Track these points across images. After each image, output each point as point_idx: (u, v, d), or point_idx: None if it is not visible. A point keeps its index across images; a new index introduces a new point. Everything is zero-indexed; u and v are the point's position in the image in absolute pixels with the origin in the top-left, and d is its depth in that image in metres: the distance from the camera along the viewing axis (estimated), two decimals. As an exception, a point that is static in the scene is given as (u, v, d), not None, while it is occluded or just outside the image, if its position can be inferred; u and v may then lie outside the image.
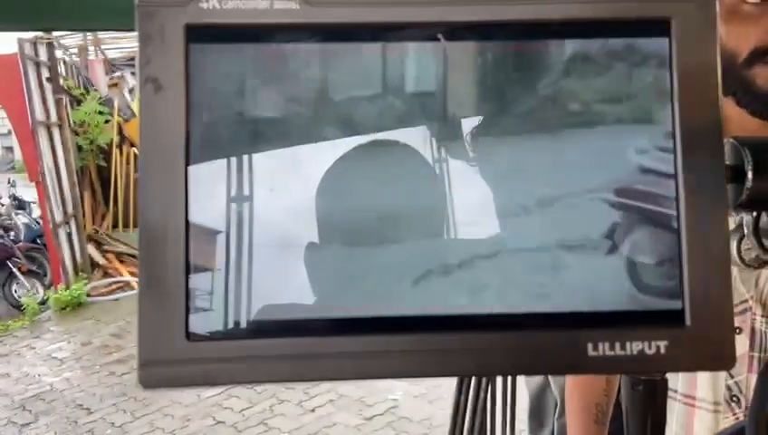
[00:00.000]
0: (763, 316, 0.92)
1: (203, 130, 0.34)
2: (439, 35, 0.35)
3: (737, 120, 0.98)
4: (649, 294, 0.34)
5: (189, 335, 0.33)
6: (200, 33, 0.34)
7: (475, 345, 0.34)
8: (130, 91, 8.09)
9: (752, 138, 0.36)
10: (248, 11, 0.34)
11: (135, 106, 7.85)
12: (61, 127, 7.02)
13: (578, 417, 1.15)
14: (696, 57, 0.35)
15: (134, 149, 7.77)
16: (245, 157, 0.34)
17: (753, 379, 0.92)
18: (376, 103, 0.35)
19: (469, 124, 0.35)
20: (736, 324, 0.93)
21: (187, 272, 0.33)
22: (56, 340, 5.70)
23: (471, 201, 0.35)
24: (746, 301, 0.93)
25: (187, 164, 0.33)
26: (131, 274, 6.76)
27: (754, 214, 0.39)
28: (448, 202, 0.35)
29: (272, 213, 0.34)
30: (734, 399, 0.94)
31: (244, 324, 0.34)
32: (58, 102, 7.04)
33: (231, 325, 0.33)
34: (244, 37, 0.34)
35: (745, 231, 0.38)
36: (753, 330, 0.93)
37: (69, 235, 6.88)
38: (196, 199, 0.33)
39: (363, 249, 0.34)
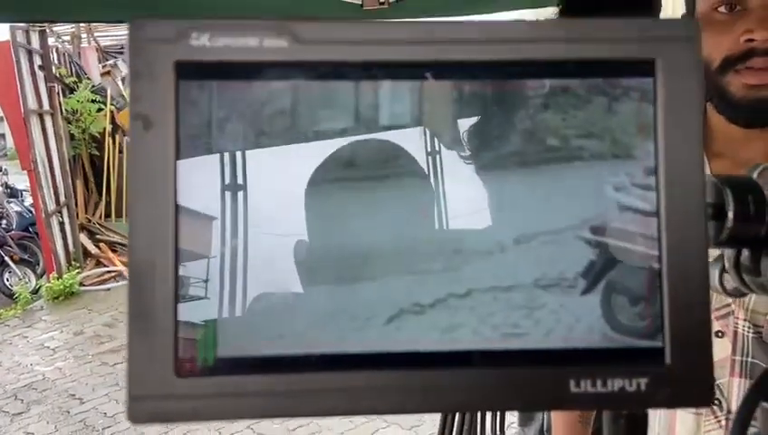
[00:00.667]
0: (745, 320, 0.93)
1: (193, 169, 0.34)
2: (427, 74, 0.35)
3: (719, 126, 0.99)
4: (629, 332, 0.35)
5: (179, 371, 0.34)
6: (190, 70, 0.34)
7: (460, 382, 0.34)
8: (123, 79, 8.05)
9: (732, 177, 0.36)
10: (238, 48, 0.34)
11: (128, 95, 7.80)
12: (53, 115, 6.99)
13: (563, 416, 1.16)
14: (681, 97, 0.35)
15: (126, 138, 7.74)
16: (237, 195, 0.35)
17: (735, 382, 0.94)
18: (360, 142, 0.35)
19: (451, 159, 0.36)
20: (719, 328, 0.95)
21: (176, 306, 0.34)
22: (48, 329, 5.70)
23: (448, 238, 0.35)
24: (729, 304, 0.94)
25: (177, 203, 0.34)
26: (124, 264, 6.75)
27: (735, 250, 0.40)
28: (424, 239, 0.35)
29: (263, 250, 0.35)
30: (716, 402, 0.95)
31: (232, 360, 0.34)
32: (50, 90, 7.00)
33: (220, 361, 0.34)
34: (235, 75, 0.35)
35: (726, 265, 0.39)
36: (735, 334, 0.94)
37: (61, 224, 6.87)
38: (185, 236, 0.34)
39: (344, 287, 0.35)
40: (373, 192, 0.36)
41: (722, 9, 0.94)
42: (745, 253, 0.38)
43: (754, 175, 0.40)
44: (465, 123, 0.36)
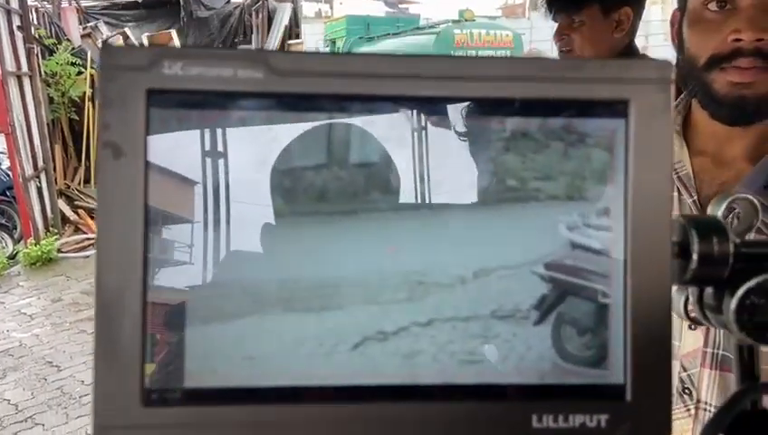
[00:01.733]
0: None
1: (162, 199, 0.34)
2: (406, 109, 0.35)
3: (703, 122, 1.00)
4: (590, 367, 0.36)
5: (146, 400, 0.34)
6: (162, 99, 0.34)
7: (425, 416, 0.35)
8: (104, 42, 7.88)
9: (697, 217, 0.37)
10: (211, 78, 0.34)
11: (109, 58, 7.65)
12: (32, 77, 6.85)
13: None
14: (652, 138, 0.35)
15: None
16: (208, 226, 0.35)
17: (706, 373, 0.96)
18: (324, 177, 0.36)
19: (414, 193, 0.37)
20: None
21: (144, 336, 0.34)
22: (25, 295, 5.66)
23: (411, 269, 0.36)
24: None
25: (147, 233, 0.34)
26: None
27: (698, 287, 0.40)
28: (386, 269, 0.36)
29: (229, 283, 0.35)
30: (687, 391, 0.98)
31: (200, 391, 0.34)
32: (29, 52, 6.85)
33: (188, 392, 0.34)
34: (207, 104, 0.34)
35: (690, 299, 0.40)
36: (707, 327, 0.96)
37: (39, 189, 6.78)
38: (154, 268, 0.34)
39: (303, 316, 0.35)
40: (341, 225, 0.36)
41: (712, 6, 0.94)
42: (708, 290, 0.38)
43: (721, 208, 0.41)
44: (434, 156, 0.37)
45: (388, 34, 11.88)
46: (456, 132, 0.36)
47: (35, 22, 7.56)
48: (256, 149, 0.35)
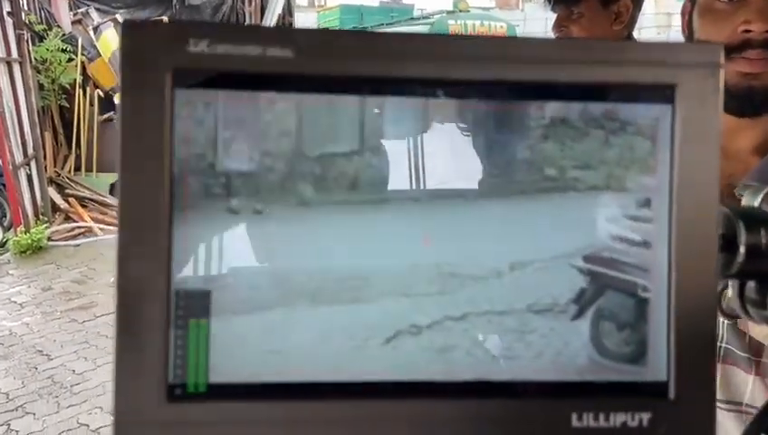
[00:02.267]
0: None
1: (189, 183, 0.32)
2: (439, 92, 0.33)
3: None
4: (631, 364, 0.34)
5: (169, 395, 0.32)
6: (187, 78, 0.32)
7: (463, 413, 0.33)
8: (95, 29, 7.80)
9: (744, 208, 0.35)
10: (239, 57, 0.32)
11: (99, 45, 7.58)
12: (21, 64, 6.76)
13: None
14: (700, 125, 0.34)
15: (98, 90, 7.54)
16: (234, 214, 0.33)
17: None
18: (353, 161, 0.34)
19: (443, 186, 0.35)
20: None
21: (168, 329, 0.32)
22: (15, 284, 5.60)
23: (445, 261, 0.34)
24: None
25: (172, 219, 0.32)
26: (94, 219, 6.65)
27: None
28: (418, 260, 0.34)
29: (261, 273, 0.33)
30: None
31: (226, 386, 0.33)
32: (19, 38, 6.76)
33: (213, 387, 0.33)
34: (235, 84, 0.33)
35: (730, 293, 0.38)
36: None
37: (29, 177, 6.71)
38: (179, 256, 0.32)
39: (342, 308, 0.34)
40: (373, 215, 0.34)
41: None
42: (751, 284, 0.37)
43: (758, 199, 0.39)
44: (468, 144, 0.35)
45: (382, 25, 11.83)
46: (492, 118, 0.34)
47: (25, 8, 7.45)
48: (284, 133, 0.33)
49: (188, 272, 0.33)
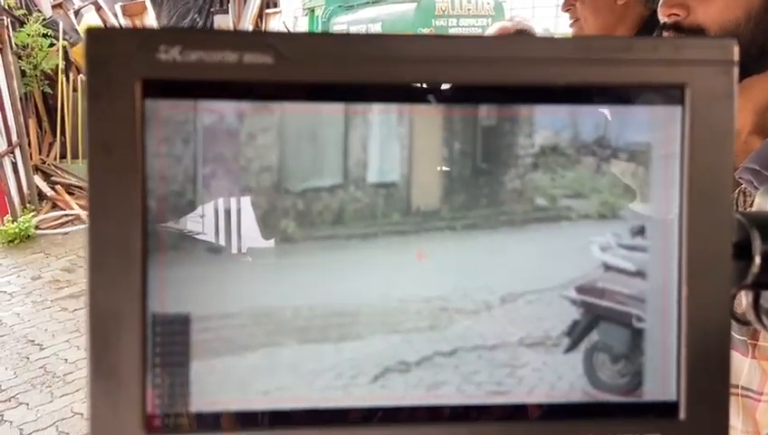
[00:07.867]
0: None
1: (160, 200, 0.30)
2: (430, 97, 0.31)
3: None
4: (641, 386, 0.33)
5: (147, 426, 0.30)
6: (158, 88, 0.29)
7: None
8: (76, 12, 7.67)
9: (759, 215, 0.33)
10: (214, 64, 0.29)
11: (81, 29, 7.46)
12: (2, 50, 6.64)
13: None
14: (712, 127, 0.32)
15: (81, 75, 7.43)
16: (217, 249, 0.30)
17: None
18: (337, 195, 0.32)
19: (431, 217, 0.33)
20: None
21: (145, 356, 0.30)
22: (4, 274, 5.56)
23: (434, 295, 0.32)
24: None
25: (145, 242, 0.29)
26: (81, 207, 6.58)
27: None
28: (407, 295, 0.32)
29: (240, 312, 0.31)
30: None
31: (208, 416, 0.31)
32: (-2, 23, 6.63)
33: (193, 416, 0.30)
34: (209, 94, 0.30)
35: (744, 302, 0.36)
36: None
37: (14, 165, 6.63)
38: (154, 279, 0.30)
39: (321, 346, 0.32)
40: (360, 250, 0.32)
41: None
42: (766, 294, 0.35)
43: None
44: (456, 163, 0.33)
45: (368, 2, 11.69)
46: (484, 133, 0.32)
47: (4, -9, 7.32)
48: (263, 152, 0.31)
49: (164, 296, 0.30)
